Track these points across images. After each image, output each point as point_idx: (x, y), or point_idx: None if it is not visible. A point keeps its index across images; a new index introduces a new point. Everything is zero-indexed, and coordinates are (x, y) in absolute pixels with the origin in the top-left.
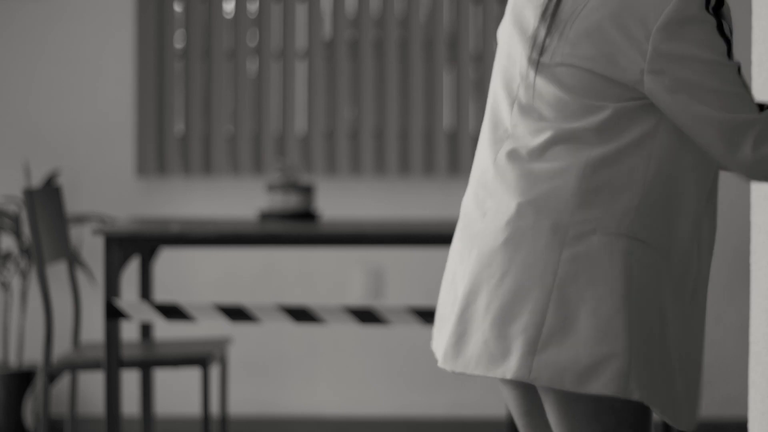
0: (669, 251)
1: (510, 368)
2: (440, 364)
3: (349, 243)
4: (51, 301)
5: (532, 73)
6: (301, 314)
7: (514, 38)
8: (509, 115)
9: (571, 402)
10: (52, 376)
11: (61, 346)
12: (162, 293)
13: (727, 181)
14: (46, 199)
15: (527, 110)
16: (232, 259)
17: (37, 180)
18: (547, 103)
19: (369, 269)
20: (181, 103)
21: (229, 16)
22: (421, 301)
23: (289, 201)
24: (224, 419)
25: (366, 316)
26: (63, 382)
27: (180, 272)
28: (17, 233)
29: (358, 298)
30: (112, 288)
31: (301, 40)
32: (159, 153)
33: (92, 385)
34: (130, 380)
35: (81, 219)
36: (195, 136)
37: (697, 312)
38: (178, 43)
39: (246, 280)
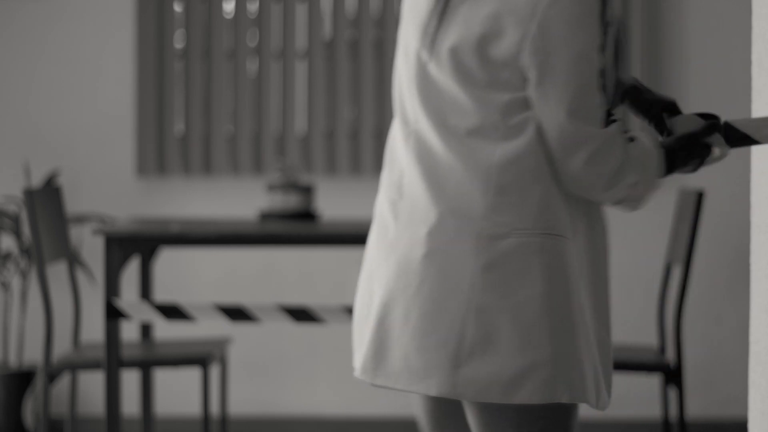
0: (581, 241)
1: (433, 384)
2: (358, 374)
3: (349, 243)
4: (51, 301)
5: (427, 65)
6: (301, 314)
7: (410, 31)
8: (412, 111)
9: (495, 411)
10: (52, 376)
11: (61, 346)
12: (162, 293)
13: (727, 181)
14: (46, 199)
15: (429, 104)
16: (232, 259)
17: (37, 180)
18: (446, 97)
19: None
20: (181, 103)
21: (229, 16)
22: None
23: (289, 201)
24: (224, 419)
25: None
26: (63, 382)
27: (180, 272)
28: (17, 233)
29: None
30: (112, 288)
31: (301, 40)
32: (159, 153)
33: (92, 385)
34: (130, 380)
35: (81, 219)
36: (195, 136)
37: (603, 296)
38: (178, 43)
39: (246, 280)
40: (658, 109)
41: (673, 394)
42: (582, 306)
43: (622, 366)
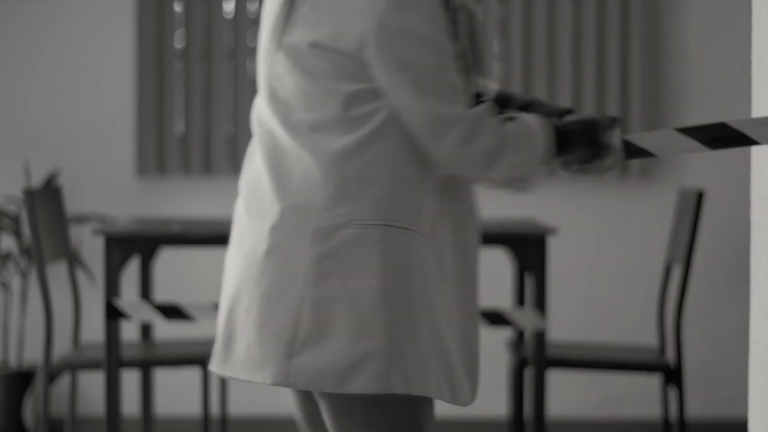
0: (427, 232)
1: (269, 374)
2: (211, 367)
3: None
4: (51, 301)
5: (274, 64)
6: None
7: (263, 34)
8: (264, 110)
9: (344, 404)
10: (52, 376)
11: (61, 346)
12: (162, 293)
13: (727, 181)
14: (46, 199)
15: (276, 102)
16: None
17: (37, 180)
18: (291, 93)
19: None
20: (181, 103)
21: (229, 16)
22: None
23: None
24: (224, 419)
25: None
26: (63, 382)
27: (180, 272)
28: (17, 233)
29: None
30: (112, 288)
31: None
32: (159, 153)
33: (92, 385)
34: (130, 380)
35: (81, 219)
36: (195, 136)
37: (468, 290)
38: (178, 43)
39: None
40: (556, 115)
41: (673, 394)
42: (431, 299)
43: (622, 366)
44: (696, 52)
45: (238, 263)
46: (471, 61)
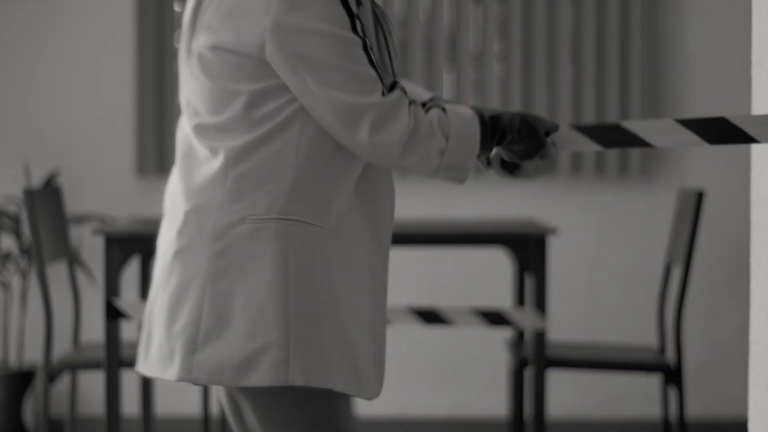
0: (334, 226)
1: (174, 370)
2: (136, 367)
3: None
4: (51, 301)
5: (186, 69)
6: None
7: (182, 33)
8: (183, 115)
9: (259, 401)
10: (52, 376)
11: (61, 346)
12: None
13: (727, 181)
14: (46, 199)
15: (188, 106)
16: None
17: (37, 180)
18: (199, 97)
19: None
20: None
21: None
22: (420, 301)
23: None
24: (224, 419)
25: None
26: (63, 382)
27: None
28: (17, 233)
29: None
30: (112, 288)
31: None
32: (159, 153)
33: (92, 385)
34: (130, 380)
35: (81, 219)
36: None
37: (377, 285)
38: (179, 43)
39: None
40: None
41: (673, 394)
42: (335, 292)
43: (622, 366)
44: (696, 52)
45: (157, 265)
46: (379, 51)
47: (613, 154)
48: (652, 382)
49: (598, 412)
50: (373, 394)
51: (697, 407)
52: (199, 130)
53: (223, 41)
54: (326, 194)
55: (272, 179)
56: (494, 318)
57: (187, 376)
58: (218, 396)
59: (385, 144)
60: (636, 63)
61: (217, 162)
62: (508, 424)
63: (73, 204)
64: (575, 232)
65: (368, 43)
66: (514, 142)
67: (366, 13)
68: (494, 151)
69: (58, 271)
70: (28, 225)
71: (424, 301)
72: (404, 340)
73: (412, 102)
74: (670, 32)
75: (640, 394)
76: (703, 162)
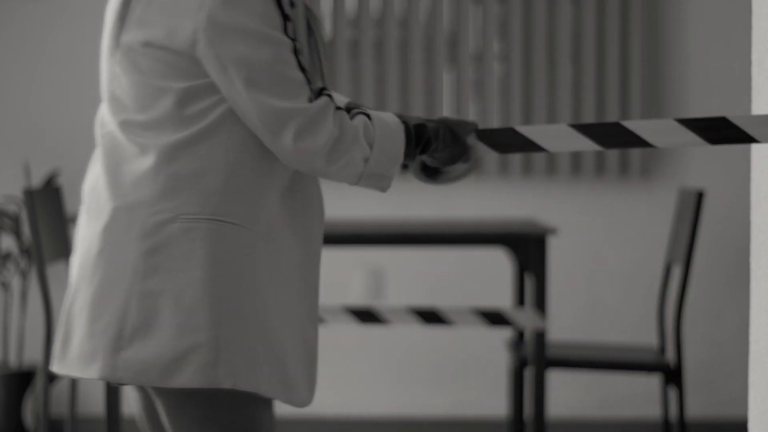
0: (264, 230)
1: (97, 368)
2: (52, 366)
3: (349, 243)
4: (51, 301)
5: (113, 66)
6: None
7: (106, 31)
8: (106, 111)
9: (177, 400)
10: (52, 376)
11: None
12: None
13: (727, 181)
14: (46, 199)
15: (114, 101)
16: None
17: (37, 180)
18: (127, 93)
19: (369, 269)
20: None
21: None
22: (421, 301)
23: None
24: None
25: (366, 316)
26: (63, 382)
27: None
28: (17, 233)
29: (358, 298)
30: None
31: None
32: None
33: (92, 385)
34: None
35: None
36: None
37: (308, 289)
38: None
39: None
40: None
41: (673, 394)
42: (264, 296)
43: (622, 366)
44: (696, 52)
45: (77, 261)
46: (309, 56)
47: (613, 154)
48: (652, 382)
49: (598, 412)
50: (302, 401)
51: (697, 407)
52: (126, 126)
53: (154, 37)
54: (258, 196)
55: (205, 178)
56: (494, 318)
57: (110, 374)
58: (130, 394)
59: (310, 150)
60: (636, 63)
61: (147, 160)
62: (508, 424)
63: (73, 204)
64: (575, 232)
65: (298, 46)
66: (439, 150)
67: (298, 16)
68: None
69: (58, 271)
70: (28, 225)
71: (424, 301)
72: (404, 340)
73: (338, 109)
74: (670, 32)
75: (640, 394)
76: (703, 162)
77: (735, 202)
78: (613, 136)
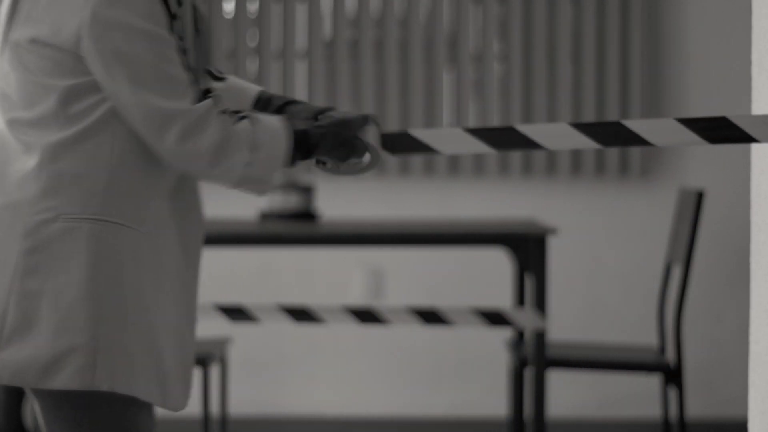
0: (148, 230)
1: None
2: None
3: (349, 243)
4: None
5: (2, 59)
6: (300, 314)
7: None
8: None
9: (53, 401)
10: None
11: None
12: None
13: (727, 181)
14: None
15: (3, 99)
16: (231, 259)
17: None
18: (14, 90)
19: (369, 269)
20: None
21: (229, 16)
22: (421, 301)
23: (289, 201)
24: (224, 419)
25: (366, 316)
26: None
27: None
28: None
29: (358, 298)
30: None
31: (301, 40)
32: None
33: None
34: None
35: None
36: None
37: (187, 291)
38: None
39: (245, 280)
40: (313, 114)
41: (673, 394)
42: (144, 298)
43: (622, 366)
44: (696, 52)
45: None
46: (196, 56)
47: (613, 154)
48: (652, 382)
49: (598, 412)
50: (177, 405)
51: (697, 407)
52: (13, 124)
53: (41, 34)
54: (141, 197)
55: (88, 178)
56: (494, 318)
57: None
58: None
59: (193, 152)
60: (636, 63)
61: (32, 158)
62: (508, 424)
63: None
64: (575, 232)
65: (185, 45)
66: (326, 153)
67: (185, 15)
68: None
69: None
70: None
71: (424, 301)
72: (404, 340)
73: (222, 111)
74: (670, 32)
75: (640, 394)
76: (703, 162)
77: (735, 202)
78: (613, 135)
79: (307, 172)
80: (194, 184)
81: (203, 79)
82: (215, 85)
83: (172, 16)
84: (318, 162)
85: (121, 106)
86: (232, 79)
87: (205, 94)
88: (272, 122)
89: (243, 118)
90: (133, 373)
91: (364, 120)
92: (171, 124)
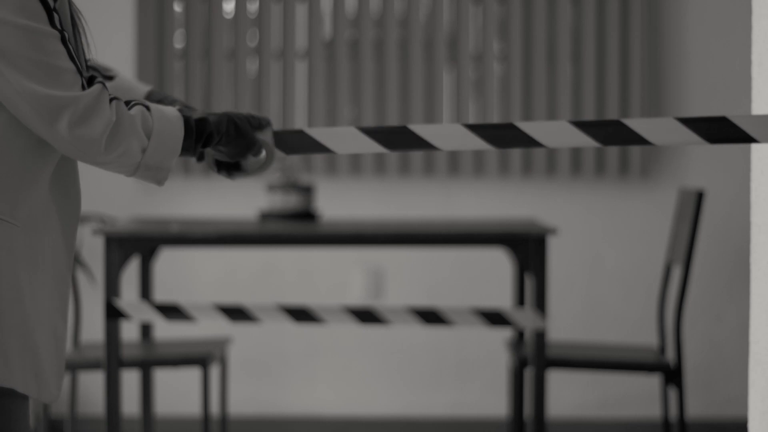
0: (24, 222)
1: None
2: None
3: (349, 243)
4: None
5: None
6: (301, 314)
7: None
8: None
9: None
10: None
11: None
12: (162, 293)
13: (727, 181)
14: None
15: None
16: (232, 259)
17: None
18: None
19: (369, 269)
20: None
21: (229, 16)
22: (421, 301)
23: (289, 201)
24: (224, 419)
25: (366, 316)
26: (63, 382)
27: (180, 272)
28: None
29: (358, 298)
30: (112, 288)
31: (301, 40)
32: None
33: (92, 385)
34: (130, 380)
35: (81, 219)
36: None
37: (61, 282)
38: (178, 43)
39: (246, 280)
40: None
41: (673, 394)
42: (21, 290)
43: (622, 366)
44: (696, 51)
45: None
46: (76, 48)
47: (613, 155)
48: (652, 382)
49: (598, 412)
50: (51, 396)
51: (697, 407)
52: None
53: None
54: (18, 188)
55: None
56: (494, 318)
57: None
58: None
59: (86, 139)
60: (636, 62)
61: None
62: (508, 424)
63: None
64: (575, 232)
65: (67, 36)
66: (223, 143)
67: (63, 7)
68: (206, 151)
69: None
70: None
71: (424, 301)
72: (404, 340)
73: (114, 98)
74: (670, 32)
75: (640, 394)
76: (703, 162)
77: (735, 202)
78: (612, 134)
79: (207, 173)
80: (72, 173)
81: (87, 70)
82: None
83: (53, 10)
84: (218, 165)
85: (6, 98)
86: (121, 78)
87: (90, 82)
88: (167, 110)
89: (135, 105)
90: (9, 365)
91: (264, 120)
92: (61, 112)
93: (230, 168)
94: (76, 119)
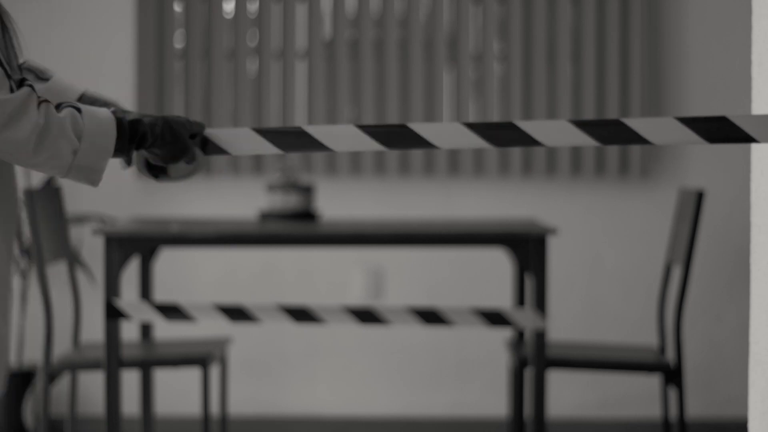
0: None
1: None
2: None
3: (349, 243)
4: (51, 301)
5: None
6: (301, 314)
7: None
8: None
9: None
10: (52, 376)
11: (61, 346)
12: (162, 293)
13: (727, 181)
14: (46, 199)
15: None
16: (232, 259)
17: (37, 180)
18: None
19: (369, 269)
20: (181, 103)
21: (229, 16)
22: (421, 301)
23: (289, 201)
24: (224, 419)
25: (366, 316)
26: (63, 382)
27: (180, 272)
28: (17, 233)
29: (358, 298)
30: (112, 288)
31: (301, 40)
32: None
33: (92, 385)
34: (130, 380)
35: (81, 219)
36: None
37: (4, 276)
38: (178, 43)
39: (246, 280)
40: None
41: (673, 394)
42: None
43: (622, 366)
44: (696, 51)
45: None
46: (6, 52)
47: (613, 154)
48: (652, 382)
49: (598, 412)
50: None
51: (697, 407)
52: None
53: None
54: None
55: None
56: (494, 318)
57: None
58: None
59: (14, 141)
60: (636, 62)
61: None
62: (508, 424)
63: (73, 204)
64: (575, 232)
65: None
66: (156, 146)
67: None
68: (136, 153)
69: (58, 271)
70: (28, 225)
71: (424, 301)
72: (404, 340)
73: (44, 101)
74: (670, 32)
75: (640, 394)
76: (703, 162)
77: (735, 203)
78: (612, 133)
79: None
80: (8, 169)
81: (17, 72)
82: (38, 86)
83: None
84: (150, 168)
85: None
86: (56, 79)
87: (20, 85)
88: (99, 111)
89: (66, 107)
90: None
91: (201, 127)
92: None
93: (157, 170)
94: (3, 122)
